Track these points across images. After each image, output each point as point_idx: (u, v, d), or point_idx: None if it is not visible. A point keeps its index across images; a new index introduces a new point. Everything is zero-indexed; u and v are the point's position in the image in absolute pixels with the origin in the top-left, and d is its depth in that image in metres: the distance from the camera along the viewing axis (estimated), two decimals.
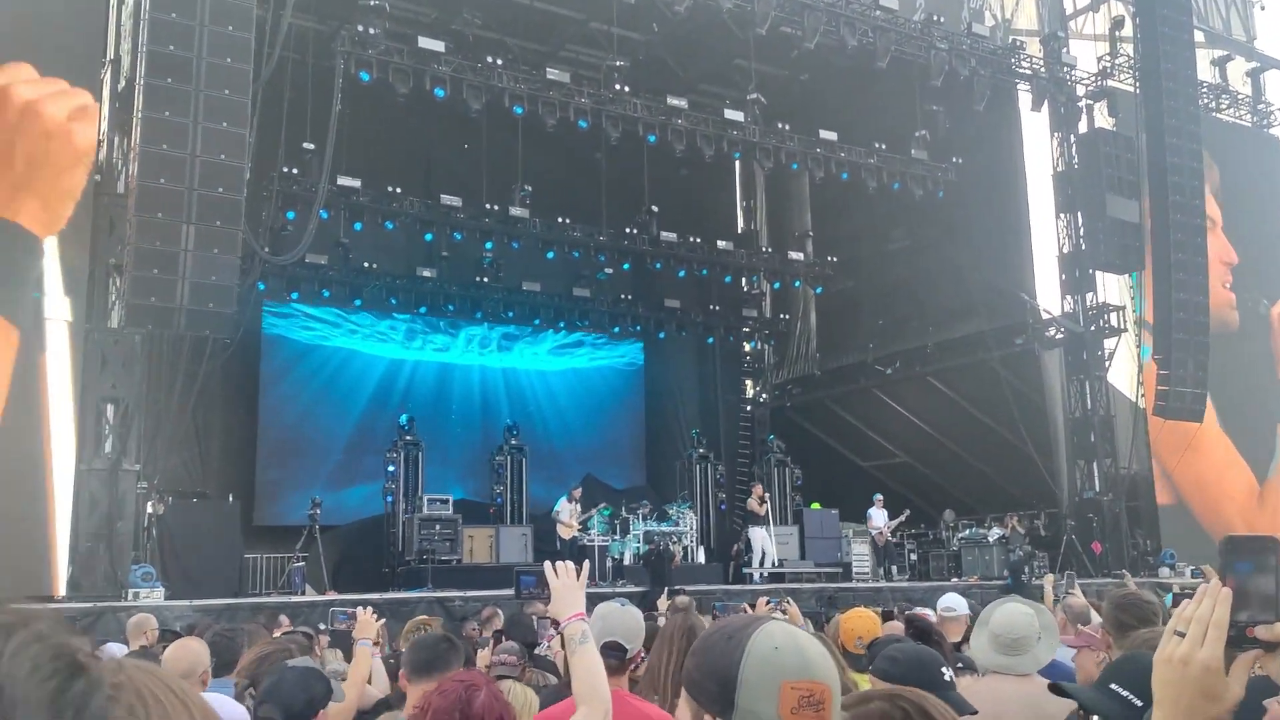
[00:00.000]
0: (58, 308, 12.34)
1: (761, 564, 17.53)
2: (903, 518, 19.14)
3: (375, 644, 4.68)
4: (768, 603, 7.17)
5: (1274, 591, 1.63)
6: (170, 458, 15.31)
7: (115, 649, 6.25)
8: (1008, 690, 3.57)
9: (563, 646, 3.47)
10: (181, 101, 11.80)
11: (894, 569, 18.55)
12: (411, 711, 2.70)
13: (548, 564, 2.90)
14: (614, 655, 3.27)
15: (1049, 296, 20.65)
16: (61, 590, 11.92)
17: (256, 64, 12.72)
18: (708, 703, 1.50)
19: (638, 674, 3.81)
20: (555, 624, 2.95)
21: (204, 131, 11.84)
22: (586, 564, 3.01)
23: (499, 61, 17.20)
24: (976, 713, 3.35)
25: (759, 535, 17.82)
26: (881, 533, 18.71)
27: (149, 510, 13.35)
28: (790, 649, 1.46)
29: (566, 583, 2.87)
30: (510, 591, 13.81)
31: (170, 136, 11.75)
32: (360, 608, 4.82)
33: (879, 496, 19.19)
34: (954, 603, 6.13)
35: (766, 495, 18.47)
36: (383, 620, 5.32)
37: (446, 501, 17.69)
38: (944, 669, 3.05)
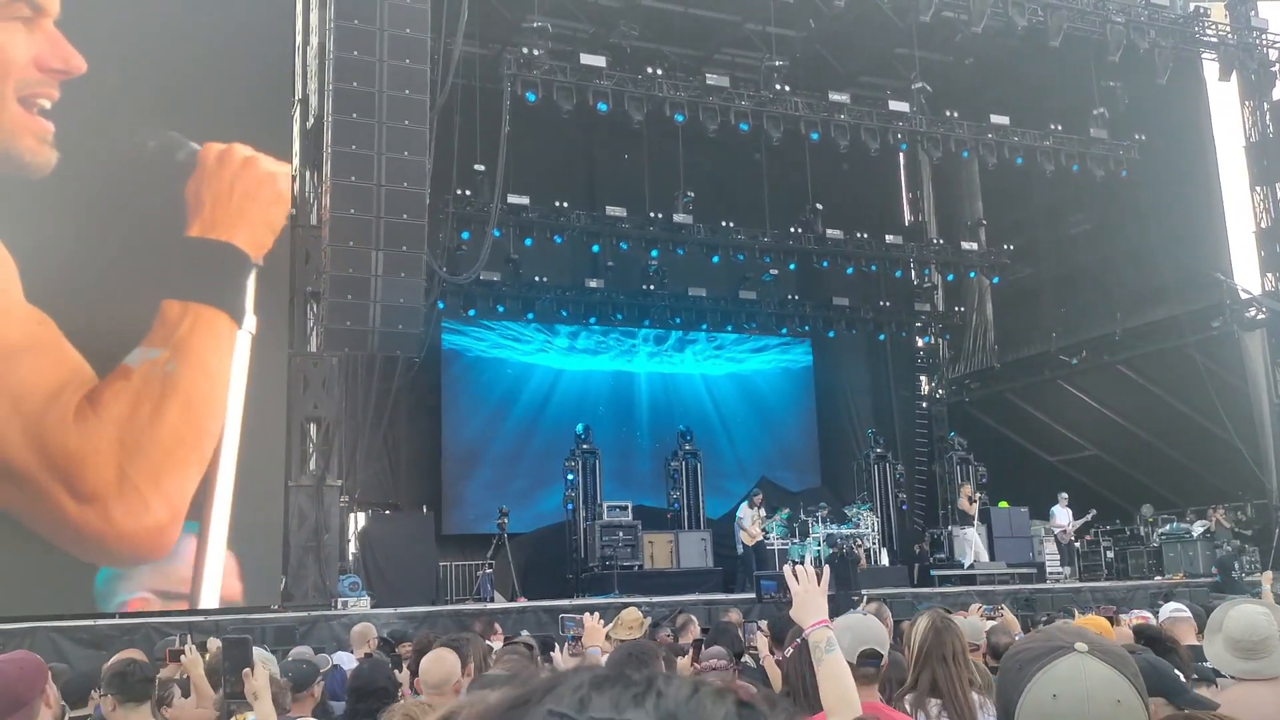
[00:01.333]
0: (249, 322, 13.10)
1: (974, 565, 17.16)
2: (1089, 517, 18.35)
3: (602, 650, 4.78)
4: (980, 609, 6.98)
5: None
6: (365, 471, 16.09)
7: (344, 658, 6.61)
8: (1262, 695, 3.37)
9: (786, 654, 3.46)
10: (366, 134, 12.43)
11: (1082, 569, 17.78)
12: None
13: (788, 569, 2.89)
14: (871, 664, 3.23)
15: (1247, 275, 19.37)
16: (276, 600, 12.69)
17: (431, 93, 13.25)
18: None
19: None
20: (798, 631, 2.93)
21: (388, 162, 12.44)
22: (828, 570, 2.97)
23: (658, 71, 17.39)
24: (1219, 706, 3.19)
25: (969, 535, 17.47)
26: (1065, 531, 17.96)
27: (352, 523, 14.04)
28: (1072, 698, 1.39)
29: (809, 588, 2.83)
30: (694, 597, 13.94)
31: (357, 168, 12.39)
32: (587, 614, 4.94)
33: (1064, 495, 18.44)
34: (1177, 608, 5.84)
35: (976, 494, 18.02)
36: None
37: (626, 508, 17.96)
38: (1177, 673, 2.93)
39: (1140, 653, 3.39)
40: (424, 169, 12.81)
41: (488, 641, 5.94)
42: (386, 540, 14.76)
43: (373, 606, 12.64)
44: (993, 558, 17.50)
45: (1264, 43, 19.25)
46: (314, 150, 13.53)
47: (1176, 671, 2.93)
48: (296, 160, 13.80)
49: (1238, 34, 18.95)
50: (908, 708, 3.25)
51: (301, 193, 13.76)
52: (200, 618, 11.21)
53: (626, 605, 13.44)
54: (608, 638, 6.21)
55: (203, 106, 12.86)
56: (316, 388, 13.43)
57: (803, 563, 15.53)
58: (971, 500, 17.79)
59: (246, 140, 12.80)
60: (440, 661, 3.85)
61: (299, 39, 13.97)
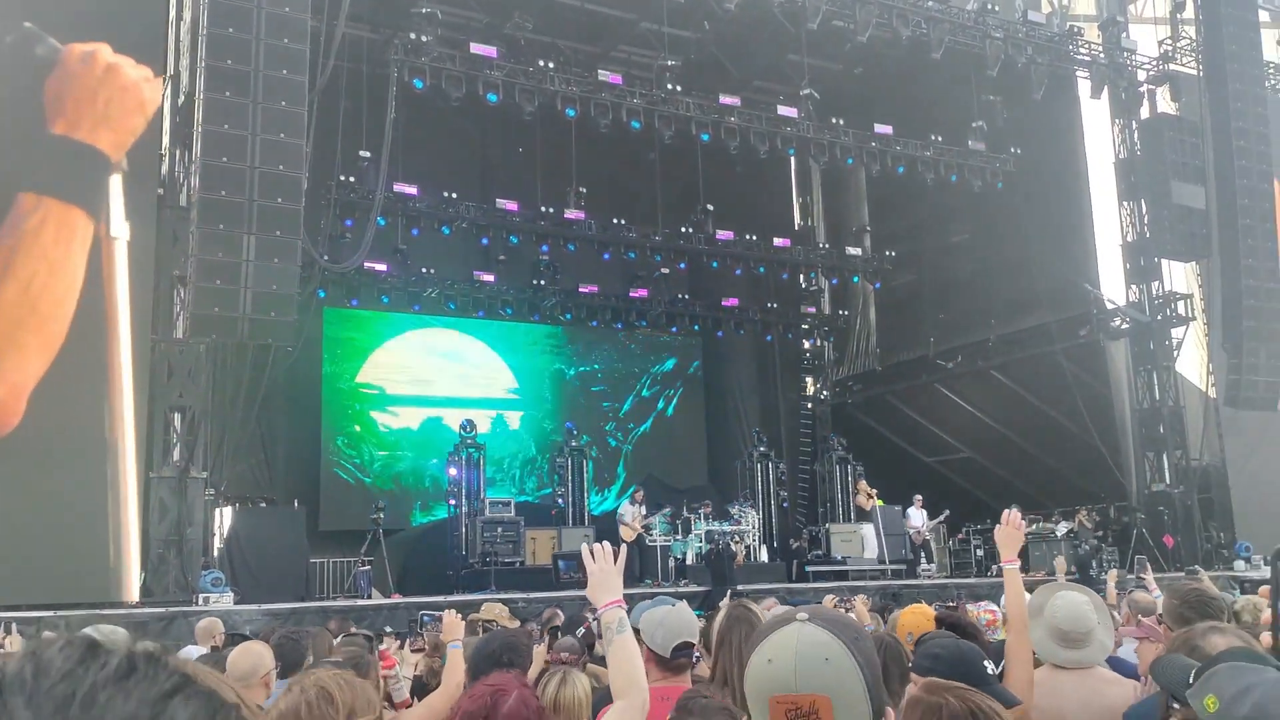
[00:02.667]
0: (120, 228, 12.74)
1: (848, 560, 17.59)
2: (942, 517, 18.99)
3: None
4: (834, 600, 7.09)
5: None
6: (237, 465, 15.60)
7: (192, 651, 6.38)
8: (1066, 683, 3.45)
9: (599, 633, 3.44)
10: (240, 114, 12.03)
11: (953, 565, 18.36)
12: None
13: (584, 547, 2.81)
14: (684, 654, 3.22)
15: (1114, 287, 20.23)
16: (121, 595, 12.17)
17: (311, 74, 12.91)
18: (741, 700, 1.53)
19: (695, 672, 3.77)
20: (592, 609, 2.91)
21: (262, 143, 12.07)
22: (624, 548, 2.93)
23: (551, 65, 17.28)
24: (1020, 702, 3.27)
25: (867, 531, 17.89)
26: (919, 532, 18.53)
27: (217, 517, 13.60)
28: (783, 661, 1.41)
29: (604, 568, 2.77)
30: (572, 593, 13.89)
31: (230, 149, 11.99)
32: (446, 610, 4.85)
33: (918, 497, 18.95)
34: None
35: (874, 491, 18.39)
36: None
37: (508, 504, 17.81)
38: (986, 663, 2.98)
39: (954, 638, 3.43)
40: (301, 152, 12.47)
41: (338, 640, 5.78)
42: (255, 535, 14.32)
43: (236, 602, 12.25)
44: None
45: (1133, 63, 20.11)
46: (184, 128, 13.05)
47: (986, 663, 2.97)
48: (166, 138, 13.30)
49: (1109, 54, 19.75)
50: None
51: (170, 172, 13.26)
52: (49, 613, 10.71)
53: (503, 601, 13.36)
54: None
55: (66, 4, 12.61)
56: (182, 376, 12.96)
57: (683, 559, 15.64)
58: (869, 497, 18.22)
59: (111, 42, 12.55)
60: (247, 653, 3.72)
61: (171, 13, 13.47)
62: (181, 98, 13.20)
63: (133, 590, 12.16)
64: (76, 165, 12.26)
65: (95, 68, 12.34)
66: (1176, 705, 1.87)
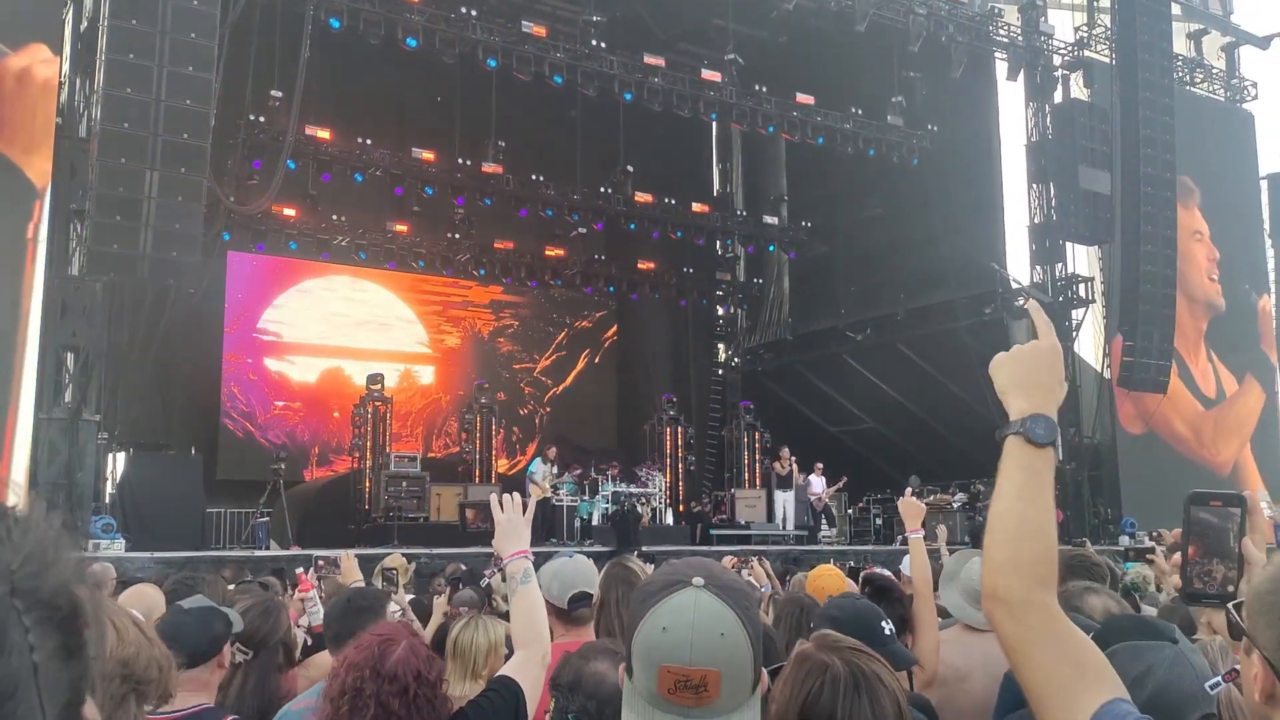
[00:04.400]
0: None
1: (784, 527, 17.81)
2: (839, 485, 19.42)
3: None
4: (735, 562, 7.17)
5: (1230, 543, 1.65)
6: (132, 409, 15.10)
7: None
8: (974, 643, 3.55)
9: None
10: (146, 44, 11.51)
11: (852, 533, 18.81)
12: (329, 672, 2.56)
13: (493, 497, 2.77)
14: (582, 605, 3.20)
15: (1019, 266, 20.77)
16: None
17: (223, 7, 12.41)
18: (626, 660, 1.50)
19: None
20: (497, 560, 2.87)
21: (169, 75, 11.58)
22: (532, 501, 2.89)
23: (473, 13, 16.89)
24: (916, 663, 3.36)
25: (781, 498, 18.09)
26: (820, 499, 18.93)
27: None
28: (678, 630, 1.41)
29: (512, 518, 2.73)
30: (477, 549, 13.81)
31: (134, 80, 11.48)
32: (344, 554, 4.79)
33: (819, 464, 19.29)
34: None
35: (792, 459, 18.62)
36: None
37: (414, 459, 17.61)
38: (884, 623, 3.03)
39: (853, 598, 3.50)
40: (210, 87, 11.99)
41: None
42: (149, 482, 13.86)
43: (128, 550, 11.88)
44: (770, 520, 18.18)
45: (1049, 48, 20.53)
46: (87, 55, 12.44)
47: (884, 623, 3.02)
48: (67, 65, 12.67)
49: (1027, 37, 20.13)
50: None
51: (70, 101, 12.64)
52: None
53: (405, 556, 13.22)
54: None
55: None
56: (76, 314, 12.44)
57: (589, 520, 15.65)
58: (784, 465, 18.49)
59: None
60: (140, 596, 3.60)
61: None
62: (84, 23, 12.57)
63: None
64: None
65: (30, 85, 12.05)
66: None
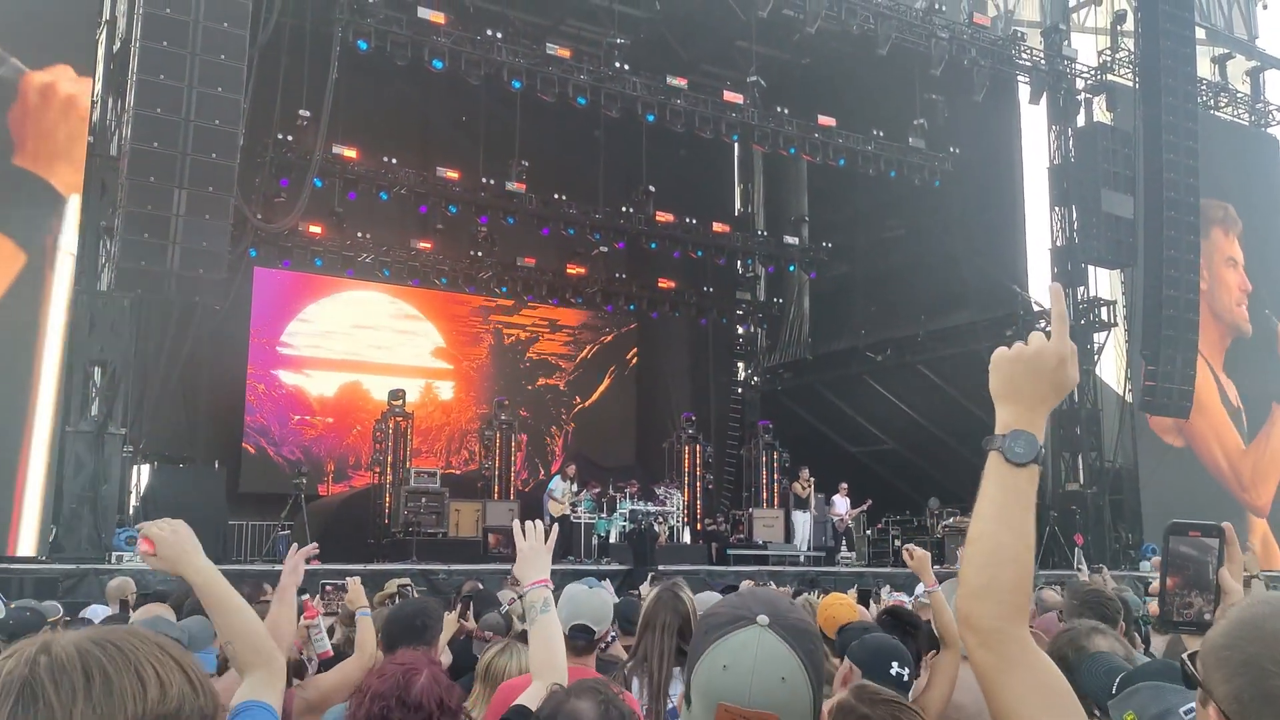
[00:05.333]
0: (69, 241, 12.72)
1: (802, 547, 17.88)
2: (864, 506, 19.31)
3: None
4: (754, 585, 7.20)
5: (1209, 575, 1.70)
6: (157, 422, 15.29)
7: (98, 610, 6.27)
8: (966, 674, 3.59)
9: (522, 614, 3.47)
10: (176, 65, 11.74)
11: (870, 555, 18.75)
12: (352, 692, 2.64)
13: (516, 523, 2.80)
14: (582, 637, 3.26)
15: (1040, 289, 20.71)
16: (21, 550, 11.87)
17: (253, 29, 12.64)
18: (685, 691, 1.49)
19: (607, 653, 3.81)
20: (513, 582, 2.92)
21: (199, 96, 11.80)
22: (556, 528, 2.93)
23: (499, 35, 17.11)
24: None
25: (800, 519, 18.11)
26: (843, 519, 18.88)
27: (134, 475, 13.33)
28: (739, 671, 1.39)
29: (534, 545, 2.75)
30: (496, 566, 13.89)
31: (164, 100, 11.70)
32: (349, 579, 4.81)
33: (844, 485, 19.23)
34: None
35: (811, 480, 18.63)
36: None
37: (434, 475, 17.73)
38: (894, 664, 3.07)
39: (874, 636, 3.54)
40: (239, 108, 12.22)
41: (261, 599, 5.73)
42: (173, 495, 14.03)
43: None
44: (788, 540, 18.17)
45: (1072, 71, 20.53)
46: (119, 76, 12.70)
47: (894, 666, 3.08)
48: (99, 85, 12.93)
49: (1050, 61, 20.14)
50: (626, 674, 3.30)
51: (102, 120, 12.89)
52: None
53: (423, 572, 13.33)
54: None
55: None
56: (104, 329, 12.66)
57: (606, 538, 15.70)
58: (804, 486, 18.52)
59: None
60: (149, 615, 3.70)
61: None
62: (117, 44, 12.83)
63: (18, 546, 11.85)
64: (21, 196, 12.27)
65: (54, 100, 12.31)
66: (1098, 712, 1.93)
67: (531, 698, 2.62)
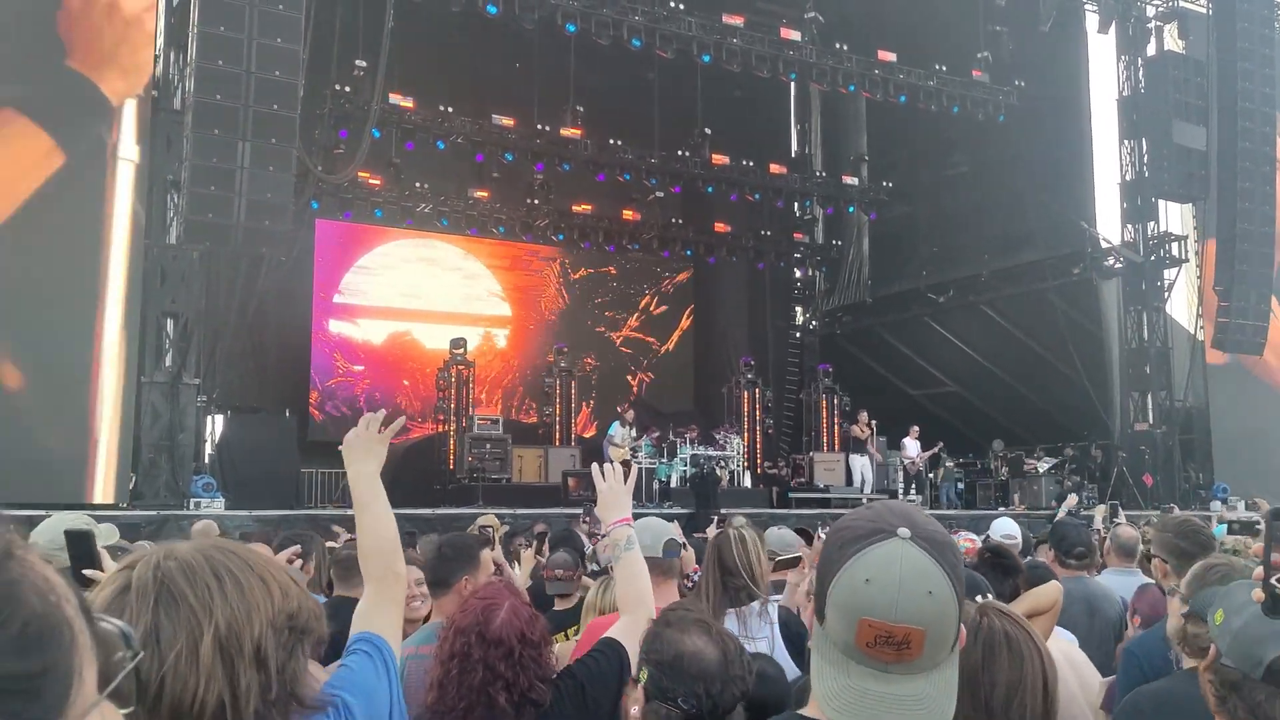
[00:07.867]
0: (128, 150, 12.93)
1: (862, 490, 17.78)
2: (936, 449, 19.07)
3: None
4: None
5: None
6: (229, 372, 15.60)
7: None
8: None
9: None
10: (236, 16, 11.80)
11: (933, 498, 18.60)
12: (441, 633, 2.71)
13: (595, 466, 2.85)
14: (675, 554, 3.33)
15: (1109, 225, 20.21)
16: (99, 498, 12.25)
17: None
18: (816, 604, 1.45)
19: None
20: (590, 520, 2.99)
21: (259, 47, 11.85)
22: (634, 469, 2.99)
23: None
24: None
25: (859, 462, 18.12)
26: (914, 462, 18.73)
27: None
28: (884, 584, 1.33)
29: (614, 486, 2.81)
30: (559, 510, 14.07)
31: (225, 52, 11.77)
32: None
33: (915, 428, 19.02)
34: (1010, 528, 6.14)
35: (873, 422, 18.55)
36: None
37: (497, 421, 17.93)
38: (977, 598, 3.09)
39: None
40: (298, 58, 12.25)
41: (328, 543, 5.88)
42: (246, 443, 14.39)
43: (228, 508, 12.36)
44: (849, 484, 18.12)
45: None
46: (179, 31, 12.79)
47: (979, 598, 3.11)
48: (161, 40, 13.04)
49: None
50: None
51: (165, 75, 13.03)
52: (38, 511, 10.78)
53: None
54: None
55: None
56: (175, 281, 12.91)
57: (668, 482, 15.78)
58: (864, 429, 18.44)
59: None
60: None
61: None
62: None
63: (96, 493, 12.22)
64: (70, 97, 12.38)
65: (95, 7, 12.39)
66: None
67: (621, 632, 2.66)
